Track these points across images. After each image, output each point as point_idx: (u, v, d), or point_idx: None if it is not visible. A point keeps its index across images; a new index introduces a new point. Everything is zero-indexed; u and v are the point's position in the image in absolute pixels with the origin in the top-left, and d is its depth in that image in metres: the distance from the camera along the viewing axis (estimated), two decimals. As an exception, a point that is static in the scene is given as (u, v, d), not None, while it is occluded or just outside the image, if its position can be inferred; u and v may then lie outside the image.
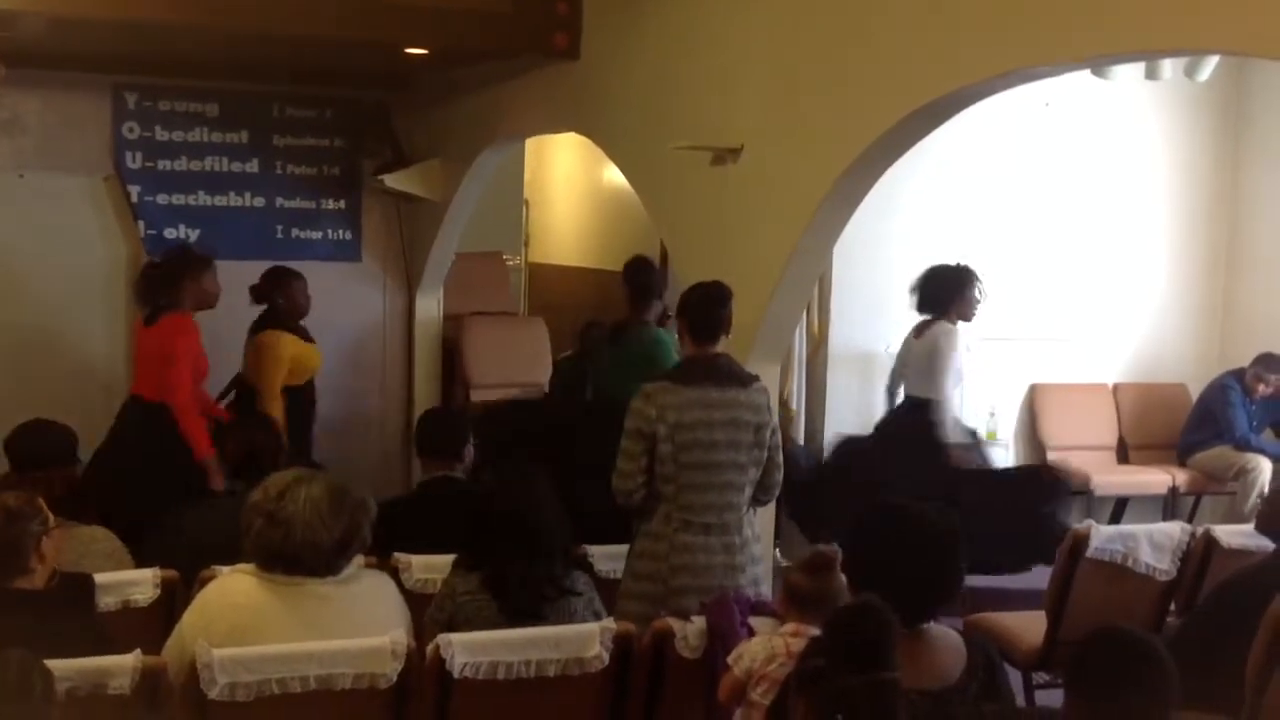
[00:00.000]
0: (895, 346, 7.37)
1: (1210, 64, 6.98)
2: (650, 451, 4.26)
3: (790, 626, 3.49)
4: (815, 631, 3.46)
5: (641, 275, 6.33)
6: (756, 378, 4.44)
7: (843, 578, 3.51)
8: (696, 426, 4.25)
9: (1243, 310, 8.13)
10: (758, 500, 4.47)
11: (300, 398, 6.76)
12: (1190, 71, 7.09)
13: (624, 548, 4.43)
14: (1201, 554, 4.84)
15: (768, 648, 3.43)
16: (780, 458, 4.48)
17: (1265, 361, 7.58)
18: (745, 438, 4.31)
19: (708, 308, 4.40)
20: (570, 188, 11.04)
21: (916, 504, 3.09)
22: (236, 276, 6.58)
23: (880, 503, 3.15)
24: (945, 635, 3.05)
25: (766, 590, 4.46)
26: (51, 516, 3.51)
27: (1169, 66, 6.97)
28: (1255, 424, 7.63)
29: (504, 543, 3.65)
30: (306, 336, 6.78)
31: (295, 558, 3.33)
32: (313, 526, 3.32)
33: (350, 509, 3.40)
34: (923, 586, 2.98)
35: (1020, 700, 4.66)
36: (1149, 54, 5.31)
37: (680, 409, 4.25)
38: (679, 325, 4.50)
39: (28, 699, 2.63)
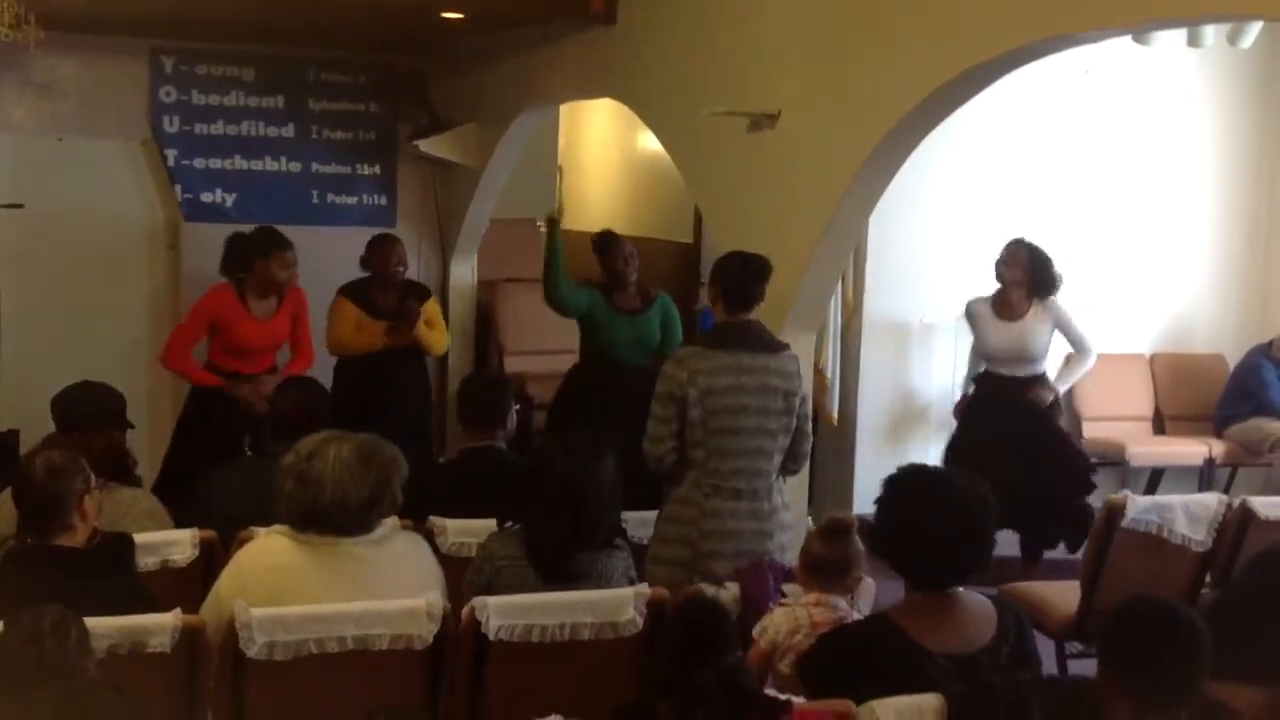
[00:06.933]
0: (930, 316, 7.34)
1: (1253, 30, 6.88)
2: (681, 416, 4.23)
3: (812, 596, 3.50)
4: (838, 599, 3.48)
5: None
6: (786, 345, 4.42)
7: (859, 543, 3.51)
8: (727, 392, 4.23)
9: (1284, 280, 8.04)
10: (787, 469, 4.45)
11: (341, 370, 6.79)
12: (1233, 38, 6.99)
13: (654, 513, 4.43)
14: (1238, 525, 4.82)
15: (791, 619, 3.44)
16: (809, 426, 4.46)
17: None
18: (775, 404, 4.29)
19: (747, 281, 4.33)
20: (604, 154, 11.00)
21: (947, 469, 3.08)
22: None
23: (910, 468, 3.14)
24: (975, 599, 3.04)
25: (792, 558, 4.46)
26: (94, 476, 3.55)
27: (1211, 33, 6.87)
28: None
29: (549, 511, 3.61)
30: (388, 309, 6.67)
31: (325, 516, 3.38)
32: (342, 483, 3.37)
33: (380, 466, 3.44)
34: (955, 550, 2.97)
35: (1053, 669, 4.67)
36: (1194, 20, 5.24)
37: (711, 374, 4.23)
38: (711, 292, 4.42)
39: (63, 643, 2.67)
